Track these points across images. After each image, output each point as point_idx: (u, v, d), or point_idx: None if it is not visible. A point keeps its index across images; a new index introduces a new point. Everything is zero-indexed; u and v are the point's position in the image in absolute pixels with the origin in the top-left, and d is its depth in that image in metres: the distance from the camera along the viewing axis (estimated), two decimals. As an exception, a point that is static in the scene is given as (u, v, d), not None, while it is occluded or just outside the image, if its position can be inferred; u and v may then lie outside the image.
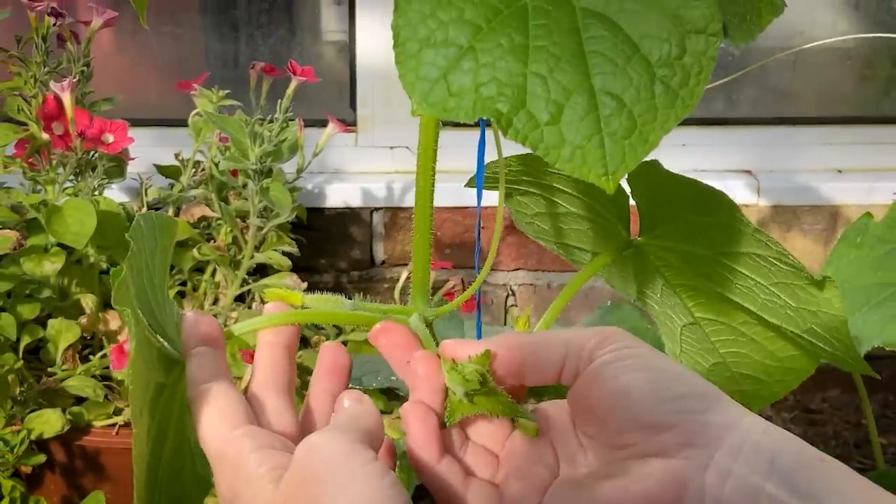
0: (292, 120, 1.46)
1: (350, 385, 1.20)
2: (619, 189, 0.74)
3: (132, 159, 1.57)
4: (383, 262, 2.01)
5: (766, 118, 2.10)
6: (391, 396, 1.37)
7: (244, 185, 1.44)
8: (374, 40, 1.94)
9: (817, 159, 2.07)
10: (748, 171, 2.04)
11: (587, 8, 0.55)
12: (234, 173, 1.59)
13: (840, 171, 2.07)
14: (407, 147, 2.00)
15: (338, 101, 2.03)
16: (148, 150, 1.84)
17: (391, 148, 2.00)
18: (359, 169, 1.99)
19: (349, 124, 2.01)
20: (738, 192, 1.99)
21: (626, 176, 0.72)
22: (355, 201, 1.95)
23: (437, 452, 0.60)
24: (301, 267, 1.93)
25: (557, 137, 0.54)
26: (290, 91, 1.47)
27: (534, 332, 0.63)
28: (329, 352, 0.65)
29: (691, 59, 0.55)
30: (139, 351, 0.58)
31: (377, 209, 1.97)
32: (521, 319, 0.80)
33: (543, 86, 0.54)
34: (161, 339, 0.63)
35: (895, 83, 2.16)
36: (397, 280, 2.01)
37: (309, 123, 1.94)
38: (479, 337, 1.27)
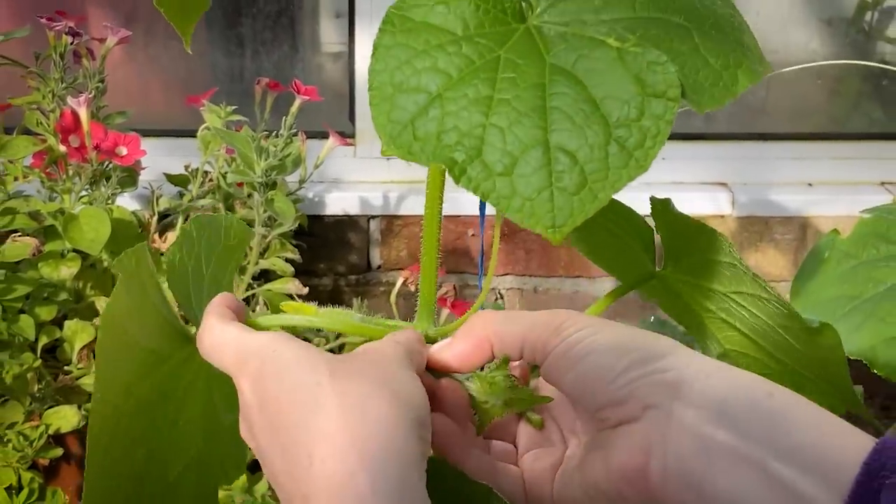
0: (295, 135, 1.48)
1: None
2: (644, 221, 0.75)
3: (144, 168, 1.59)
4: (379, 267, 2.03)
5: (741, 133, 2.13)
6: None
7: (249, 195, 1.46)
8: (372, 57, 1.96)
9: (789, 173, 2.10)
10: (724, 184, 2.07)
11: (556, 64, 0.55)
12: (241, 183, 1.62)
13: (810, 185, 2.10)
14: (402, 158, 2.02)
15: (338, 114, 2.05)
16: (158, 159, 1.86)
17: (388, 159, 2.02)
18: (357, 179, 2.02)
19: (348, 136, 2.03)
20: (714, 203, 2.02)
21: (650, 210, 0.73)
22: (353, 209, 1.98)
23: (467, 454, 0.61)
24: (302, 271, 1.94)
25: (509, 188, 0.53)
26: (294, 109, 1.49)
27: (496, 318, 0.63)
28: None
29: (649, 122, 0.54)
30: (122, 314, 0.61)
31: (374, 217, 1.99)
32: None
33: (501, 138, 0.53)
34: (177, 317, 0.66)
35: (862, 102, 2.19)
36: (393, 283, 2.03)
37: (310, 135, 1.96)
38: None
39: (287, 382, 0.54)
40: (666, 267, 0.76)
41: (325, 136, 1.94)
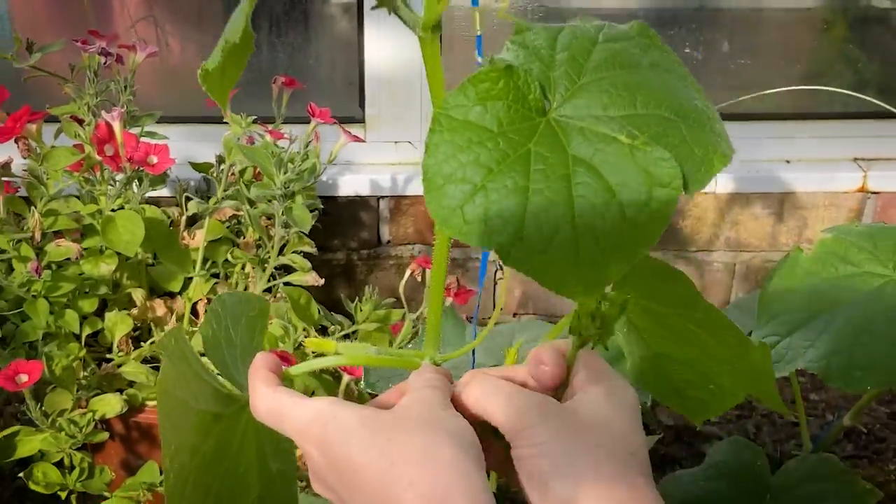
0: (309, 145, 1.54)
1: (364, 391, 1.32)
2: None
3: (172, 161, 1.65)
4: (388, 242, 2.11)
5: (725, 114, 2.17)
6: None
7: (269, 200, 1.53)
8: (379, 49, 2.01)
9: (769, 151, 2.16)
10: (708, 162, 2.13)
11: (577, 156, 0.60)
12: (258, 175, 1.70)
13: (788, 162, 2.16)
14: (409, 142, 2.09)
15: (348, 101, 2.11)
16: (183, 144, 1.94)
17: (395, 143, 2.09)
18: (367, 161, 2.08)
19: (358, 121, 2.10)
20: (699, 181, 2.08)
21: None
22: (364, 190, 2.05)
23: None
24: (317, 246, 2.02)
25: (545, 264, 0.58)
26: (309, 129, 1.55)
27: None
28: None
29: (657, 205, 0.59)
30: (171, 384, 0.69)
31: (383, 197, 2.06)
32: (510, 354, 0.88)
33: (537, 223, 0.58)
34: (219, 380, 0.74)
35: (835, 83, 2.23)
36: (401, 257, 2.12)
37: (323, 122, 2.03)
38: (474, 334, 1.37)
39: (357, 445, 0.61)
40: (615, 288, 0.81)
41: (336, 122, 2.01)
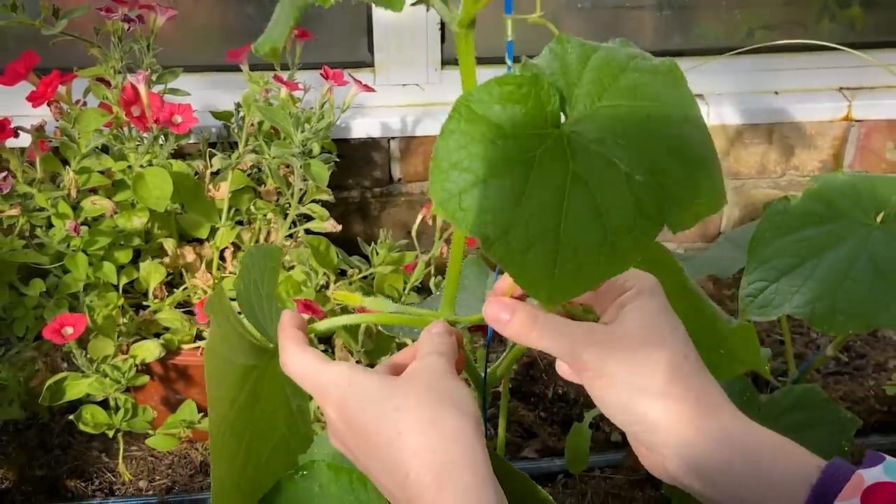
0: (325, 105, 1.54)
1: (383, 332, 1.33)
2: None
3: (195, 120, 1.65)
4: (399, 180, 2.12)
5: (715, 48, 2.15)
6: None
7: (289, 159, 1.54)
8: (386, -3, 1.98)
9: (757, 83, 2.14)
10: (700, 96, 2.12)
11: (577, 172, 0.60)
12: (276, 131, 1.70)
13: (776, 93, 2.14)
14: (416, 84, 2.07)
15: (358, 47, 2.09)
16: (204, 93, 1.93)
17: (403, 86, 2.08)
18: (377, 104, 2.07)
19: (368, 65, 2.08)
20: (691, 114, 2.07)
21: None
22: (375, 132, 2.04)
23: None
24: (333, 185, 2.02)
25: (521, 264, 0.60)
26: (324, 91, 1.55)
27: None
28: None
29: (638, 234, 0.60)
30: (218, 343, 0.72)
31: (393, 138, 2.06)
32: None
33: (524, 226, 0.59)
34: (254, 333, 0.77)
35: (822, 16, 2.20)
36: (412, 194, 2.13)
37: (335, 66, 2.01)
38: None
39: (369, 412, 0.65)
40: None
41: (347, 66, 2.00)
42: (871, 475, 0.60)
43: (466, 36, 0.64)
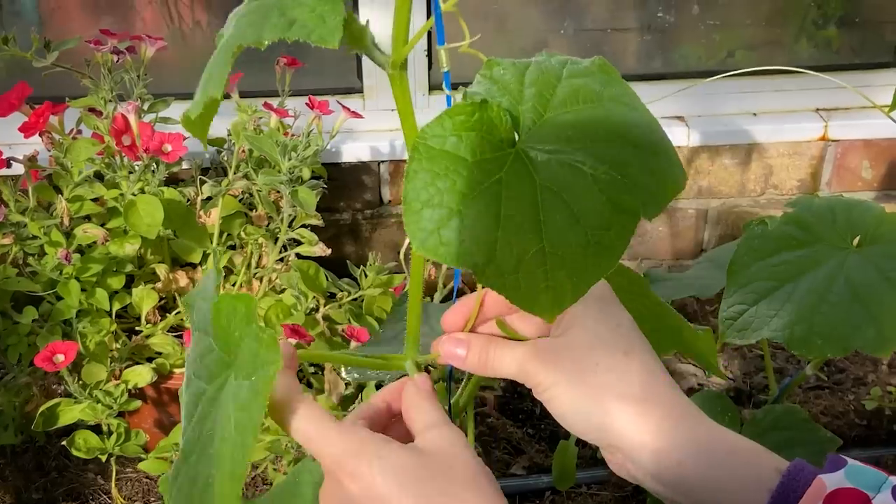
0: (311, 134, 1.51)
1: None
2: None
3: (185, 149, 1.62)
4: (389, 202, 2.09)
5: (695, 72, 2.13)
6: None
7: (278, 186, 1.50)
8: (374, 25, 1.95)
9: (737, 105, 2.11)
10: (681, 118, 2.09)
11: (543, 184, 0.59)
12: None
13: (755, 115, 2.12)
14: (405, 109, 2.04)
15: (348, 73, 2.06)
16: (196, 120, 1.90)
17: (392, 110, 2.04)
18: (367, 128, 2.04)
19: (357, 91, 2.05)
20: (673, 136, 2.04)
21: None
22: (365, 156, 2.01)
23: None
24: (325, 208, 2.00)
25: (515, 284, 0.58)
26: (310, 120, 1.52)
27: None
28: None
29: (617, 230, 0.59)
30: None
31: (383, 161, 2.03)
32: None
33: (508, 246, 0.57)
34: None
35: (800, 37, 2.18)
36: (401, 216, 2.08)
37: (326, 92, 1.99)
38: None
39: (404, 493, 0.57)
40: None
41: (338, 92, 1.97)
42: (832, 481, 0.58)
43: (401, 77, 0.61)
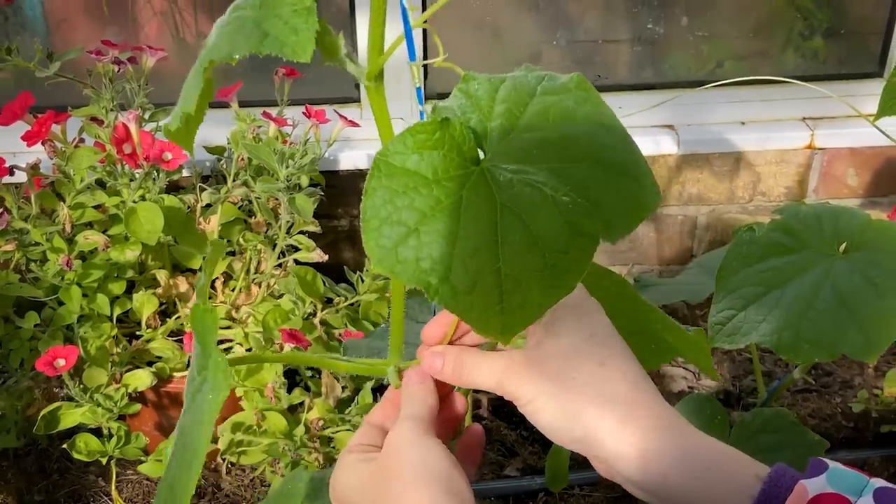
0: (308, 143, 1.49)
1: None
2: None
3: (185, 157, 1.61)
4: (386, 209, 2.07)
5: (684, 82, 2.12)
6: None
7: (276, 193, 1.49)
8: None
9: (725, 114, 2.10)
10: (671, 126, 2.08)
11: (505, 204, 0.57)
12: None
13: (743, 123, 2.10)
14: (401, 118, 2.03)
15: (345, 83, 2.04)
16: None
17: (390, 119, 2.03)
18: (364, 137, 2.02)
19: (355, 101, 2.04)
20: (663, 144, 2.04)
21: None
22: (362, 163, 2.00)
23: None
24: (323, 215, 1.99)
25: (469, 305, 0.56)
26: (307, 129, 1.50)
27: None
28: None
29: (576, 253, 0.57)
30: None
31: (380, 169, 2.01)
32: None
33: (463, 266, 0.56)
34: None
35: (787, 48, 2.17)
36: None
37: (325, 101, 1.97)
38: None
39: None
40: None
41: (336, 101, 1.96)
42: (814, 486, 0.56)
43: (377, 89, 0.60)
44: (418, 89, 0.67)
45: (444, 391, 0.69)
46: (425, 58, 1.98)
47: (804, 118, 2.11)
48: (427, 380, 0.68)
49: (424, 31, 1.91)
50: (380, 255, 0.56)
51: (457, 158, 0.58)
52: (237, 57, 0.52)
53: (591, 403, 0.60)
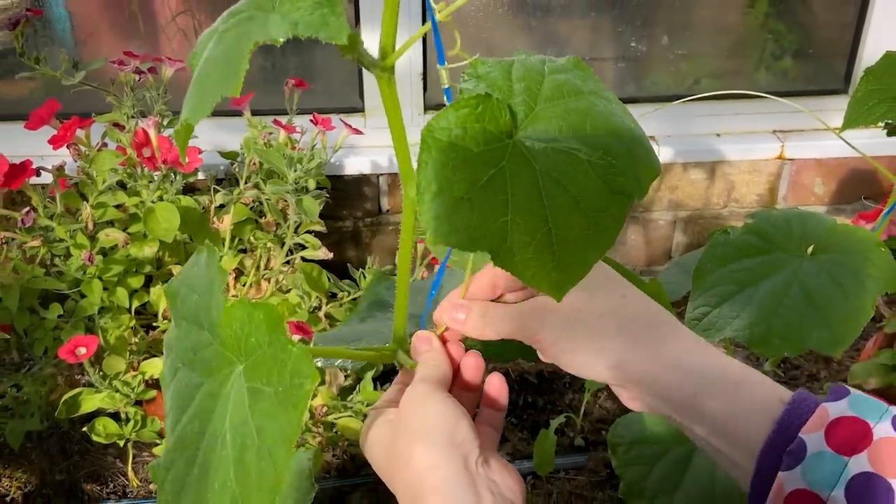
0: (315, 148, 1.48)
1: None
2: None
3: (201, 161, 1.60)
4: (388, 211, 2.06)
5: (665, 96, 2.11)
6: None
7: (285, 195, 1.48)
8: (373, 49, 1.93)
9: (702, 126, 2.10)
10: (652, 138, 2.07)
11: (542, 170, 0.57)
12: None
13: (719, 135, 2.10)
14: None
15: (350, 93, 2.03)
16: (213, 134, 1.88)
17: (390, 128, 2.02)
18: (367, 144, 2.02)
19: (359, 110, 2.03)
20: (644, 154, 2.03)
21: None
22: (366, 169, 1.99)
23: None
24: (329, 216, 1.98)
25: (525, 265, 0.56)
26: (314, 135, 1.49)
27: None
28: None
29: (614, 210, 0.57)
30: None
31: (382, 174, 2.01)
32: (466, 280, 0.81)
33: (518, 230, 0.55)
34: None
35: (759, 66, 2.16)
36: (399, 223, 2.07)
37: (331, 111, 1.96)
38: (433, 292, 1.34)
39: (375, 455, 0.62)
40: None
41: (342, 111, 1.94)
42: (835, 409, 0.55)
43: (389, 80, 0.59)
44: (447, 90, 0.67)
45: (453, 364, 0.67)
46: (426, 64, 1.97)
47: (775, 131, 2.10)
48: (432, 343, 0.67)
49: (424, 38, 1.90)
50: (435, 227, 0.54)
51: (495, 131, 0.58)
52: (281, 40, 0.50)
53: (618, 333, 0.60)
